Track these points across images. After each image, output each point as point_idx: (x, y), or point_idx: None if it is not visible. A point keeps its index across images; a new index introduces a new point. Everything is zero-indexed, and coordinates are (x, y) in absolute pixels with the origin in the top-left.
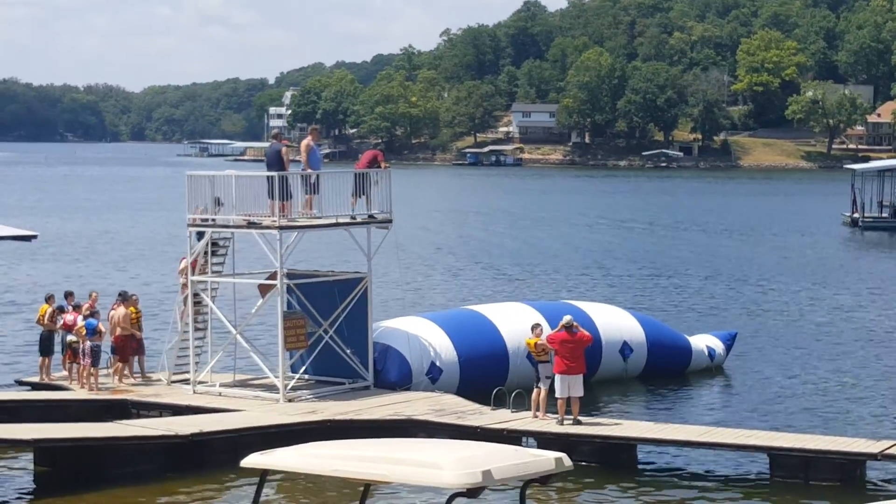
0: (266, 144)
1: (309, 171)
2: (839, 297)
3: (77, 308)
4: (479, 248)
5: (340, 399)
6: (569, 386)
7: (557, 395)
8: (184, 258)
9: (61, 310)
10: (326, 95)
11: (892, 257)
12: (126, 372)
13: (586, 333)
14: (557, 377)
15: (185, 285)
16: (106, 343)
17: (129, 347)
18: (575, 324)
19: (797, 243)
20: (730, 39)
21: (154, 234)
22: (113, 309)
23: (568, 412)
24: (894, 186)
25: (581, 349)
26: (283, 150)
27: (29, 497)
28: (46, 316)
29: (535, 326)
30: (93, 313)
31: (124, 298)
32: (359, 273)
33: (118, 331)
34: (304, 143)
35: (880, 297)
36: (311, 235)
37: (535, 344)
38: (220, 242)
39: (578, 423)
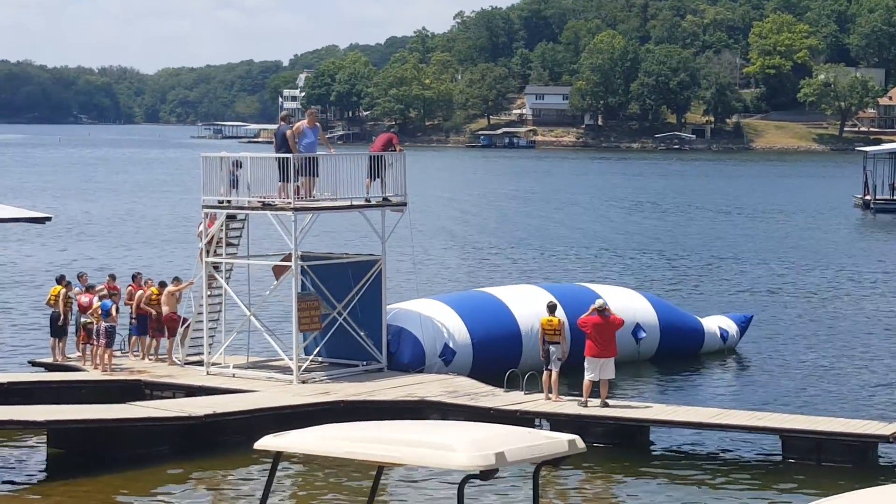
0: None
1: (295, 154)
2: (851, 279)
3: (90, 289)
4: (492, 230)
5: (354, 381)
6: (600, 368)
7: (588, 377)
8: (200, 223)
9: (69, 285)
10: (340, 78)
11: None
12: (153, 352)
13: (618, 317)
14: (588, 360)
15: (202, 251)
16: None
17: (176, 324)
18: (607, 307)
19: (809, 225)
20: (742, 22)
21: (168, 216)
22: (132, 290)
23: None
24: None
25: (613, 332)
26: (289, 132)
27: (42, 479)
28: (61, 297)
29: (553, 307)
30: (110, 295)
31: (164, 283)
32: (373, 255)
33: (166, 309)
34: (296, 125)
35: (892, 278)
36: (325, 218)
37: (557, 323)
38: (235, 224)
39: (606, 405)
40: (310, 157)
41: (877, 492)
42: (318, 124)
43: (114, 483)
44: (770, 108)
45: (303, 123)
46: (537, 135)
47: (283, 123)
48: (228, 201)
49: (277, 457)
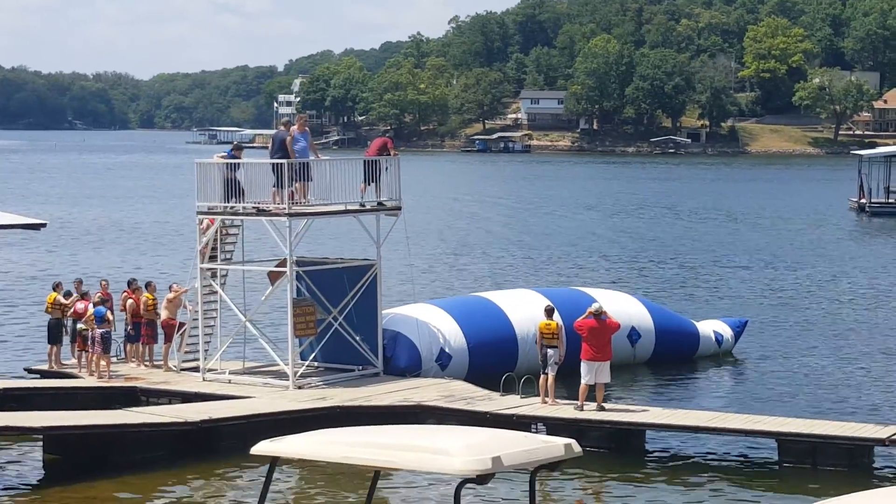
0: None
1: (284, 160)
2: (846, 282)
3: (85, 296)
4: (487, 234)
5: (350, 386)
6: (596, 372)
7: (584, 381)
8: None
9: (68, 294)
10: (335, 83)
11: None
12: (147, 358)
13: (615, 320)
14: (584, 364)
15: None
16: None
17: (174, 330)
18: (604, 311)
19: (804, 229)
20: (737, 26)
21: (163, 223)
22: (126, 297)
23: (590, 398)
24: None
25: (609, 336)
26: (288, 138)
27: (38, 485)
28: (58, 304)
29: (550, 310)
30: (103, 301)
31: (166, 289)
32: (368, 260)
33: (165, 314)
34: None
35: (887, 282)
36: (320, 223)
37: (555, 326)
38: (230, 231)
39: (602, 409)
40: (303, 162)
41: (875, 494)
42: (307, 129)
43: (110, 489)
44: (765, 112)
45: (294, 129)
46: (532, 139)
47: (282, 128)
48: (225, 207)
49: (274, 462)
